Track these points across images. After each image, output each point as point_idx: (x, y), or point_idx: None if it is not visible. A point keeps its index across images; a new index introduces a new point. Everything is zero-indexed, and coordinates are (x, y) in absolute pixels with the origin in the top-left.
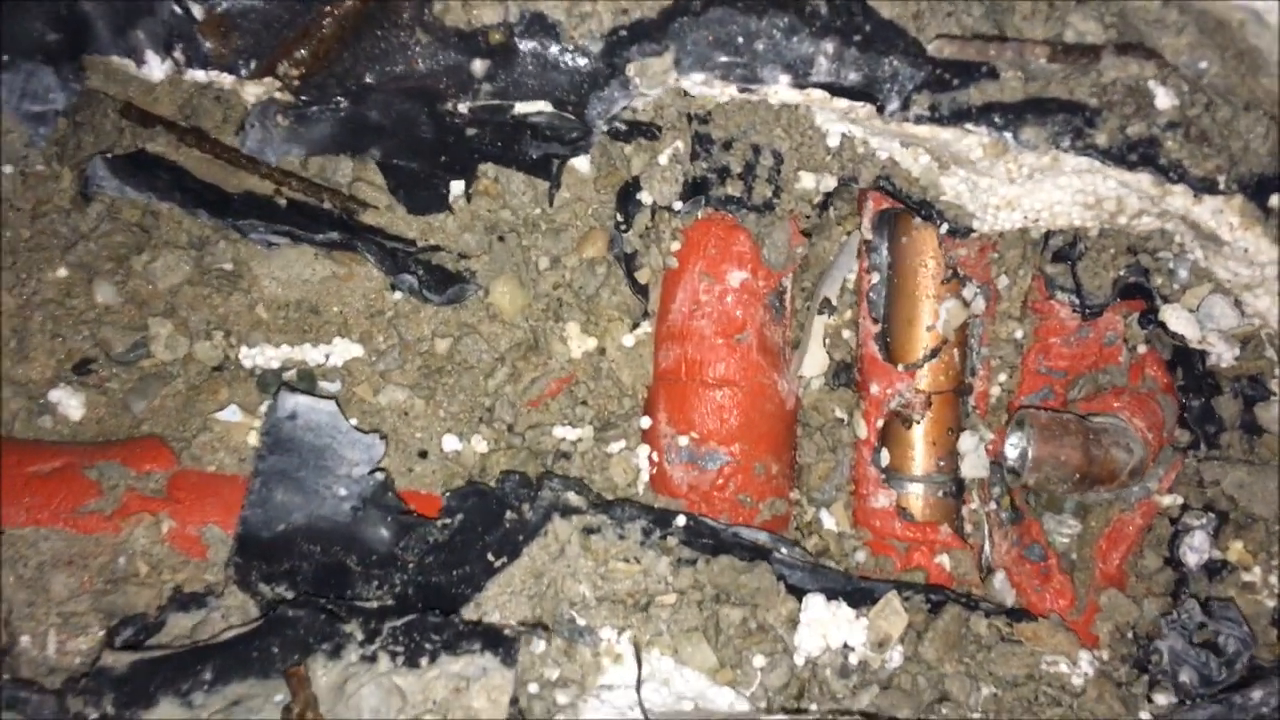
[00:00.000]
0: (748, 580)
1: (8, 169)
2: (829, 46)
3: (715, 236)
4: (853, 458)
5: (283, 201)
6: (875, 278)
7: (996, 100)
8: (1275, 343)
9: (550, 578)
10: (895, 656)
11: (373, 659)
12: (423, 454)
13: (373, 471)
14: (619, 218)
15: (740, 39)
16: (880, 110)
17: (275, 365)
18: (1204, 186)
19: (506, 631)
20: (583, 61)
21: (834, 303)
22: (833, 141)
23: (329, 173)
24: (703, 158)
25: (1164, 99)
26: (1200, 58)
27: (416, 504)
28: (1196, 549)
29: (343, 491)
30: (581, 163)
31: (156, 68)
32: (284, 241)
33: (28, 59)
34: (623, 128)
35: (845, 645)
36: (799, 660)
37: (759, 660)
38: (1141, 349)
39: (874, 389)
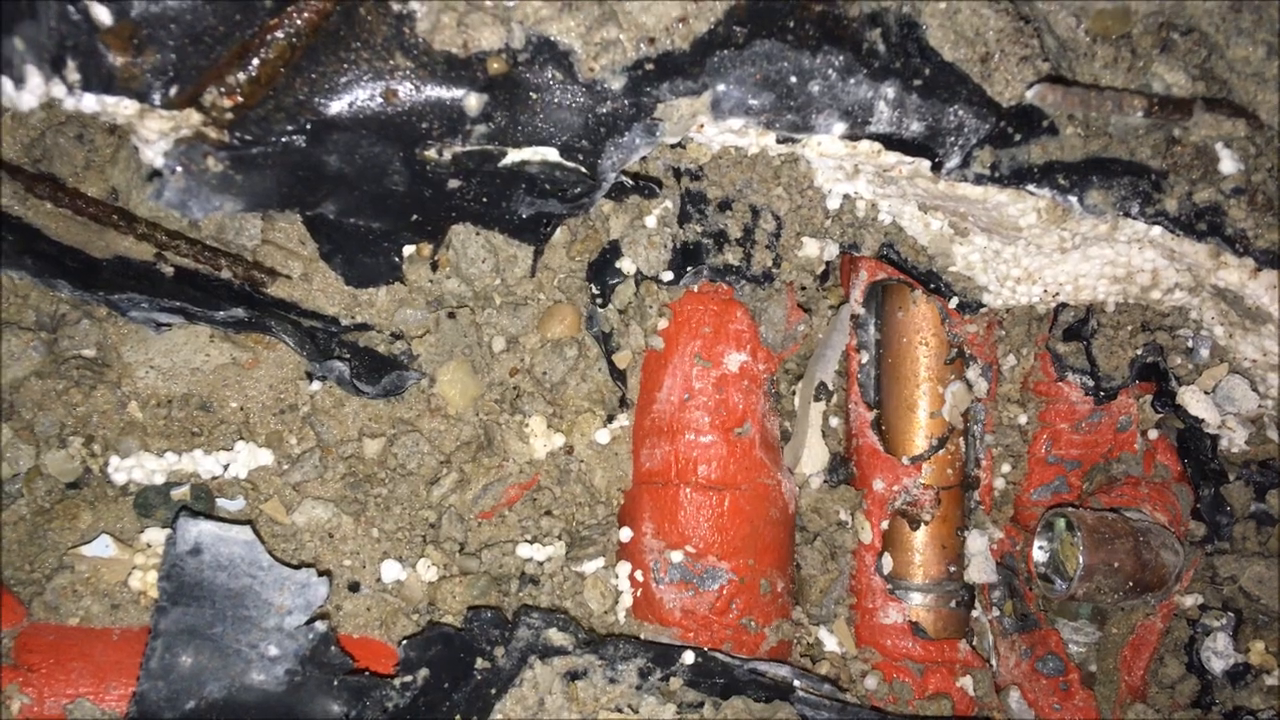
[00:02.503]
0: None
1: None
2: (889, 91)
3: (710, 313)
4: (853, 566)
5: (169, 269)
6: (865, 357)
7: (1058, 159)
8: None
9: None
10: None
11: None
12: (354, 586)
13: (311, 620)
14: (594, 290)
15: (793, 78)
16: (937, 168)
17: (159, 480)
18: (1268, 259)
19: None
20: (602, 100)
21: (830, 388)
22: (833, 204)
23: (229, 233)
24: (695, 219)
25: (1229, 163)
26: None
27: (355, 653)
28: (1221, 653)
29: (273, 650)
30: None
31: (34, 90)
32: (176, 321)
33: None
34: (628, 183)
35: None
36: None
37: None
38: (1153, 434)
39: (878, 486)
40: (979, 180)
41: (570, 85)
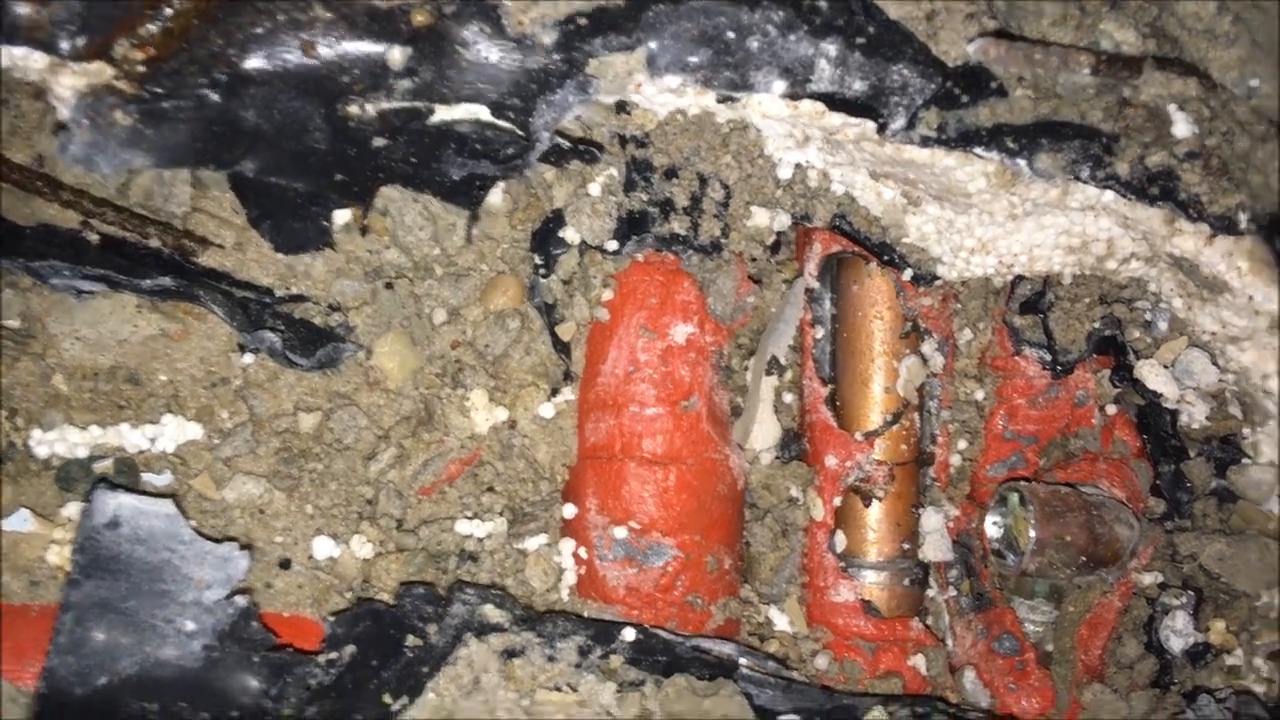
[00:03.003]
0: (711, 705)
1: None
2: (831, 49)
3: (656, 283)
4: (805, 544)
5: (94, 237)
6: (820, 331)
7: (1006, 121)
8: (1245, 400)
9: (463, 718)
10: None
11: None
12: (285, 564)
13: (231, 595)
14: (538, 260)
15: (731, 34)
16: (882, 129)
17: (82, 454)
18: (1222, 225)
19: None
20: (532, 55)
21: (783, 362)
22: (784, 173)
23: (158, 200)
24: (641, 188)
25: (1183, 126)
26: (1251, 74)
27: (283, 632)
28: (1180, 632)
29: (189, 625)
30: (493, 191)
31: None
32: (99, 289)
33: None
34: (565, 145)
35: None
36: None
37: None
38: (1111, 409)
39: (830, 462)
40: (925, 142)
41: (500, 40)
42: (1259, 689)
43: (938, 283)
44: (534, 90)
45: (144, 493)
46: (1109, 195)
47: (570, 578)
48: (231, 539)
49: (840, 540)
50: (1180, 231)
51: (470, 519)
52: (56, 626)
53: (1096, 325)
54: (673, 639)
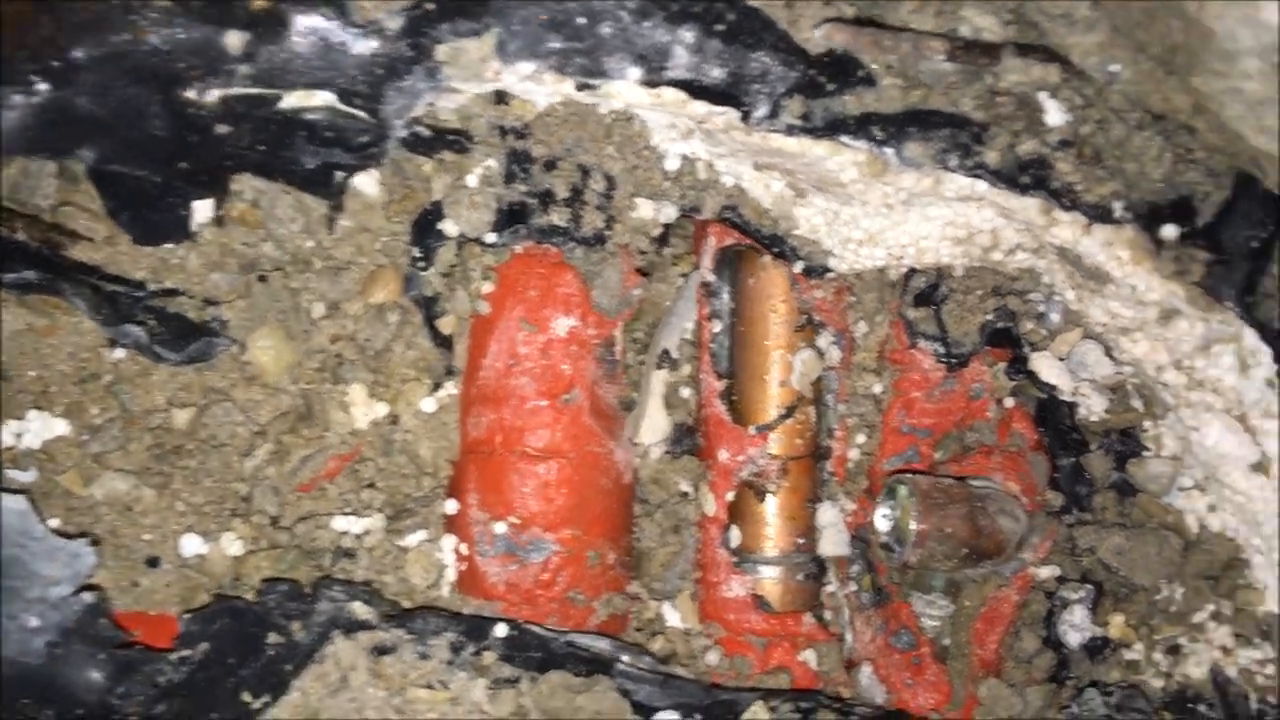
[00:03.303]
0: (586, 702)
1: None
2: (688, 35)
3: (536, 275)
4: (698, 539)
5: None
6: (717, 325)
7: (875, 110)
8: (1145, 393)
9: (329, 718)
10: None
11: None
12: (152, 562)
13: (79, 591)
14: (416, 253)
15: (581, 19)
16: (746, 117)
17: None
18: (1098, 214)
19: None
20: (377, 41)
21: (674, 355)
22: (671, 164)
23: (24, 193)
24: (520, 179)
25: (1055, 114)
26: (1110, 60)
27: (146, 631)
28: (1078, 626)
29: (34, 622)
30: (367, 182)
31: None
32: None
33: None
34: (426, 134)
35: None
36: None
37: None
38: (1009, 403)
39: (722, 456)
40: (790, 131)
41: (344, 24)
42: (1157, 683)
43: (830, 275)
44: (382, 77)
45: None
46: (980, 185)
47: (451, 574)
48: (88, 535)
49: (735, 535)
50: (1057, 221)
51: (348, 515)
52: None
53: (989, 317)
54: (547, 635)
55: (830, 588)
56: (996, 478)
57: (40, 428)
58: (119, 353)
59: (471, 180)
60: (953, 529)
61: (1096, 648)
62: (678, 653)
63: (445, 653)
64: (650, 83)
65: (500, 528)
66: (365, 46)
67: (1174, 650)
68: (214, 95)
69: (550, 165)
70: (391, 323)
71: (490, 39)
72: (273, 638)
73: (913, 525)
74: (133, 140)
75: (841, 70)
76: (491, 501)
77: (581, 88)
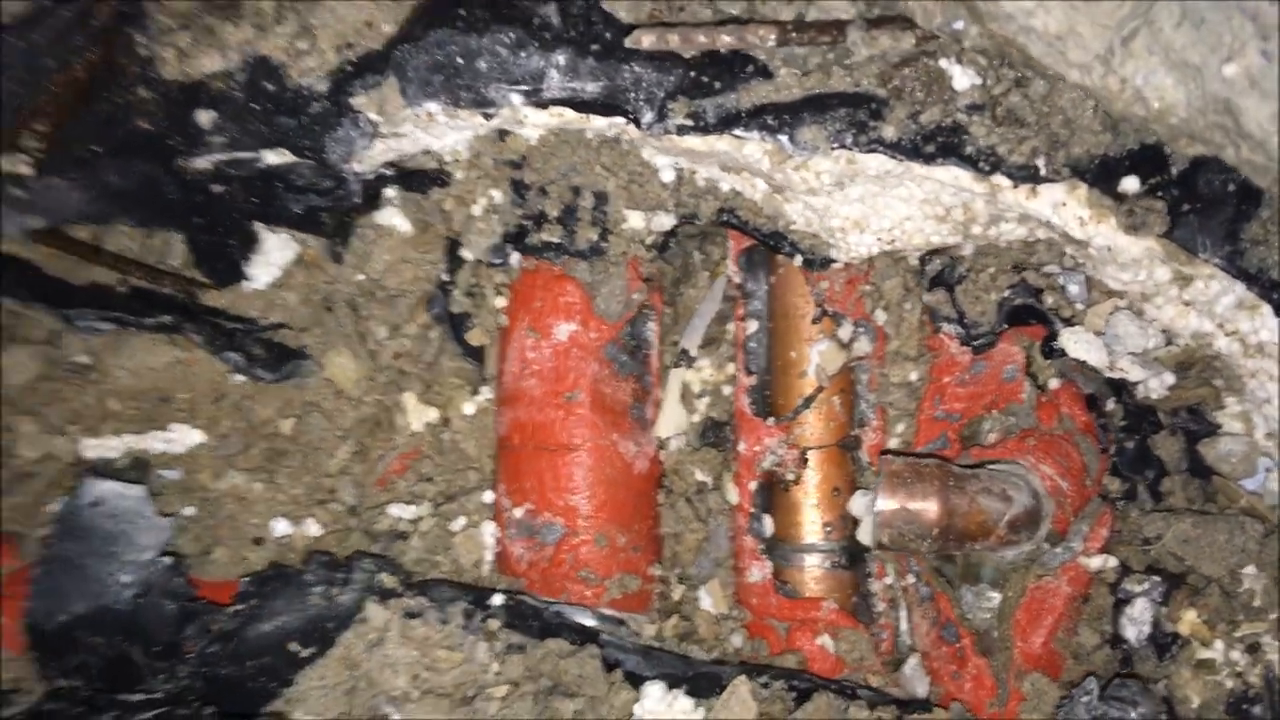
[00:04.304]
0: (570, 666)
1: None
2: (560, 58)
3: (540, 288)
4: (730, 527)
5: (124, 289)
6: (753, 325)
7: (771, 101)
8: (1214, 366)
9: (365, 669)
10: None
11: None
12: (258, 541)
13: (161, 555)
14: (445, 276)
15: (460, 59)
16: (637, 124)
17: (113, 455)
18: (1024, 174)
19: None
20: (308, 102)
21: (692, 354)
22: (667, 176)
23: (166, 256)
24: (520, 205)
25: (962, 78)
26: (954, 17)
27: (213, 591)
28: (1136, 620)
29: (126, 578)
30: (400, 222)
31: None
32: (111, 327)
33: None
34: (391, 175)
35: None
36: None
37: None
38: (1054, 384)
39: (741, 447)
40: (682, 131)
41: (280, 92)
42: (1229, 684)
43: (835, 265)
44: (318, 131)
45: (131, 480)
46: (878, 160)
47: (490, 555)
48: (171, 515)
49: (769, 524)
50: (998, 187)
51: (406, 504)
52: (31, 577)
53: (1006, 294)
54: (538, 605)
55: (888, 580)
56: (1025, 460)
57: (184, 437)
58: (239, 376)
59: (477, 210)
60: (918, 508)
61: (1165, 645)
62: (700, 634)
63: (460, 619)
64: (537, 104)
65: (519, 513)
66: (299, 107)
67: (1254, 649)
68: (203, 162)
69: (544, 189)
70: (434, 339)
71: (392, 85)
72: (315, 599)
73: (877, 505)
74: (157, 205)
75: (729, 68)
76: (513, 490)
77: (486, 115)
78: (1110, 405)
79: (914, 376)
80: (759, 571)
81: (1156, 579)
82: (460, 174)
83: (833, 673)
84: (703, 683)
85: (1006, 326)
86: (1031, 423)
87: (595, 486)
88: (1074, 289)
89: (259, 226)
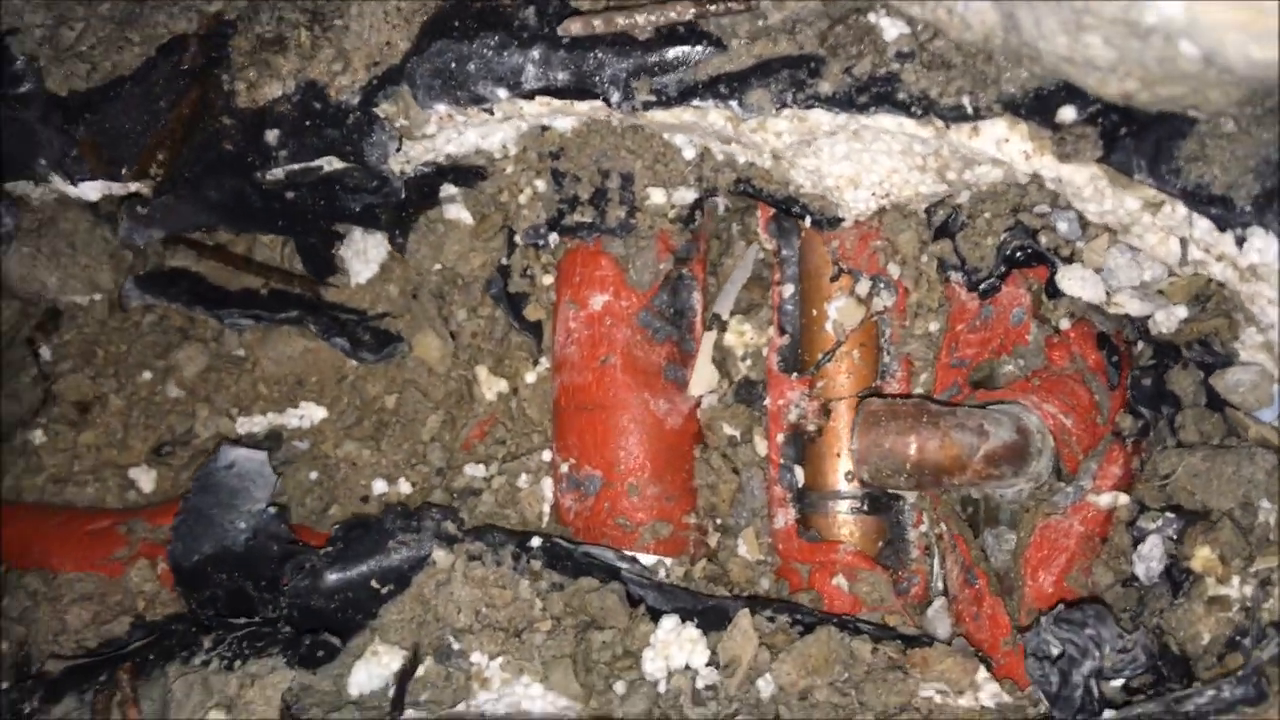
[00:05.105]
0: (594, 600)
1: (97, 296)
2: (535, 53)
3: (579, 264)
4: (763, 478)
5: (265, 291)
6: (789, 289)
7: (724, 71)
8: (1222, 296)
9: (433, 606)
10: (766, 685)
11: (206, 663)
12: (364, 499)
13: (269, 506)
14: (504, 260)
15: (454, 64)
16: (609, 103)
17: (258, 430)
18: (955, 114)
19: (307, 640)
20: (346, 114)
21: (724, 318)
22: (689, 154)
23: (294, 263)
24: (558, 191)
25: (891, 29)
26: None
27: (312, 538)
28: (1145, 557)
29: (242, 525)
30: (463, 215)
31: (84, 188)
32: (250, 323)
33: None
34: (429, 172)
35: (688, 668)
36: (661, 688)
37: (619, 687)
38: (1065, 323)
39: (767, 401)
40: (648, 106)
41: (324, 108)
42: (1238, 618)
43: (844, 224)
44: (356, 138)
45: (258, 447)
46: (816, 113)
47: (548, 508)
48: (280, 473)
49: (799, 474)
50: (940, 130)
51: (476, 464)
52: (174, 524)
53: (1004, 237)
54: (569, 546)
55: (923, 528)
56: (1027, 400)
57: (312, 413)
58: (353, 361)
59: (523, 198)
60: (890, 445)
61: (1179, 580)
62: (732, 577)
63: (510, 561)
64: (521, 96)
65: (565, 467)
66: (339, 118)
67: (1265, 584)
68: (276, 173)
69: (577, 175)
70: (500, 318)
71: (406, 92)
72: (393, 544)
73: (854, 443)
74: (247, 212)
75: (683, 44)
76: (562, 447)
77: (483, 110)
78: (1136, 343)
79: (934, 328)
80: (781, 518)
81: (1171, 516)
82: (509, 168)
83: (851, 612)
84: (711, 615)
85: (1006, 269)
86: (1041, 363)
87: (628, 441)
88: (1064, 226)
89: (347, 228)
